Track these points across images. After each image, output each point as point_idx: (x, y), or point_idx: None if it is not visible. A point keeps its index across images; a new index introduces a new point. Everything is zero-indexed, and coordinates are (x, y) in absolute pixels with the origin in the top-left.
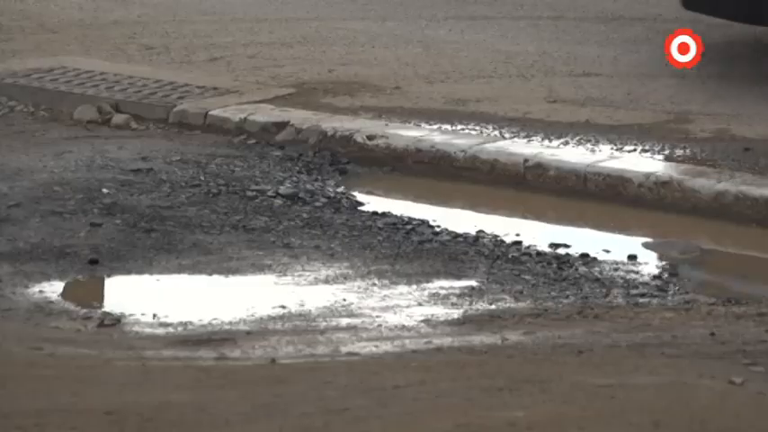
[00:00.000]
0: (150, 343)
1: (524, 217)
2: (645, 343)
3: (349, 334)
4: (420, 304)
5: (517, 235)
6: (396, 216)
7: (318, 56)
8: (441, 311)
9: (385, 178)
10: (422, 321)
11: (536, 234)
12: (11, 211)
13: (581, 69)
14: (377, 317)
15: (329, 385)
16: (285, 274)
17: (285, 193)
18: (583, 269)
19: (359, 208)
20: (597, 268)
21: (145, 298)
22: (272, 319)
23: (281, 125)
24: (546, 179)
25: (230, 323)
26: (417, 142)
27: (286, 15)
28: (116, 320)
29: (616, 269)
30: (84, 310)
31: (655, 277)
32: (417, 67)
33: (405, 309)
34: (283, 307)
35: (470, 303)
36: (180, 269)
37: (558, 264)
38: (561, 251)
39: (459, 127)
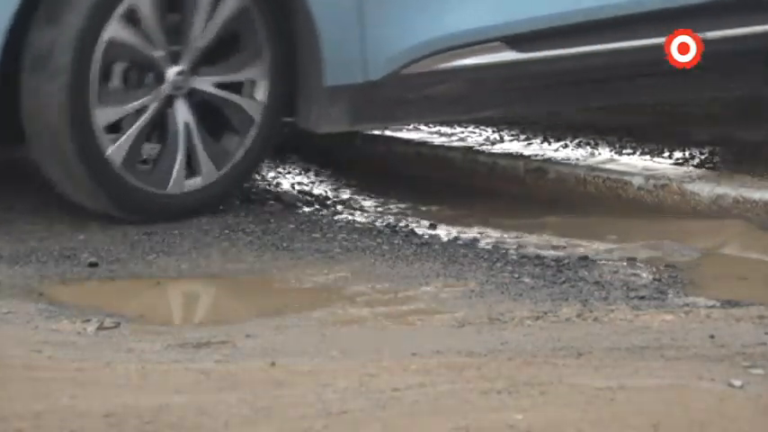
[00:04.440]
0: (149, 345)
1: (524, 220)
2: (644, 345)
3: (348, 336)
4: (419, 307)
5: (516, 238)
6: (395, 218)
7: None
8: (440, 314)
9: (384, 181)
10: (421, 324)
11: (535, 237)
12: (11, 215)
13: None
14: (376, 319)
15: (328, 388)
16: (285, 277)
17: (284, 196)
18: (582, 272)
19: (358, 210)
20: (596, 271)
21: (144, 301)
22: (271, 321)
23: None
24: (545, 182)
25: (230, 326)
26: (417, 145)
27: None
28: (115, 323)
29: (615, 272)
30: (84, 313)
31: (654, 280)
32: None
33: (404, 311)
34: (283, 310)
35: (470, 306)
36: (179, 272)
37: (557, 266)
38: (560, 254)
39: (459, 129)
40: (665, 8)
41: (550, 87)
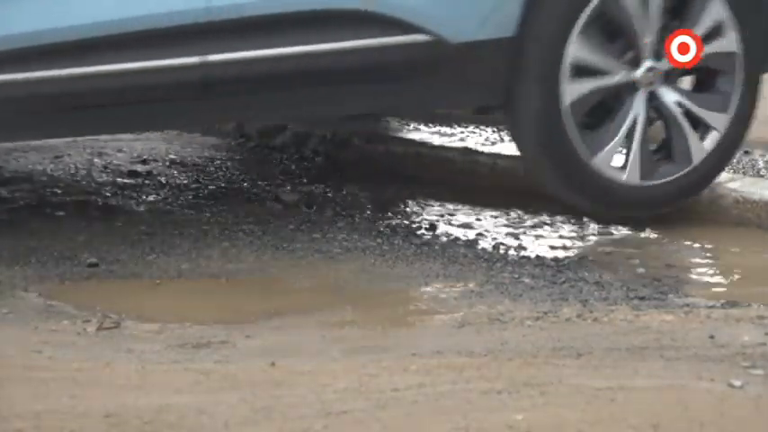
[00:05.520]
0: (149, 346)
1: (524, 220)
2: (644, 346)
3: (348, 337)
4: (419, 307)
5: (517, 238)
6: (395, 218)
7: None
8: (440, 314)
9: (384, 181)
10: (421, 324)
11: (535, 237)
12: (11, 215)
13: None
14: (376, 320)
15: (328, 388)
16: (285, 278)
17: (284, 196)
18: (582, 272)
19: (358, 210)
20: (596, 271)
21: (144, 301)
22: (271, 322)
23: (280, 128)
24: None
25: (230, 326)
26: (417, 145)
27: None
28: (115, 324)
29: (615, 272)
30: (84, 314)
31: (654, 280)
32: None
33: (404, 311)
34: (283, 310)
35: (469, 306)
36: (179, 272)
37: (557, 266)
38: (560, 254)
39: (459, 129)
40: (164, 28)
41: (41, 114)
